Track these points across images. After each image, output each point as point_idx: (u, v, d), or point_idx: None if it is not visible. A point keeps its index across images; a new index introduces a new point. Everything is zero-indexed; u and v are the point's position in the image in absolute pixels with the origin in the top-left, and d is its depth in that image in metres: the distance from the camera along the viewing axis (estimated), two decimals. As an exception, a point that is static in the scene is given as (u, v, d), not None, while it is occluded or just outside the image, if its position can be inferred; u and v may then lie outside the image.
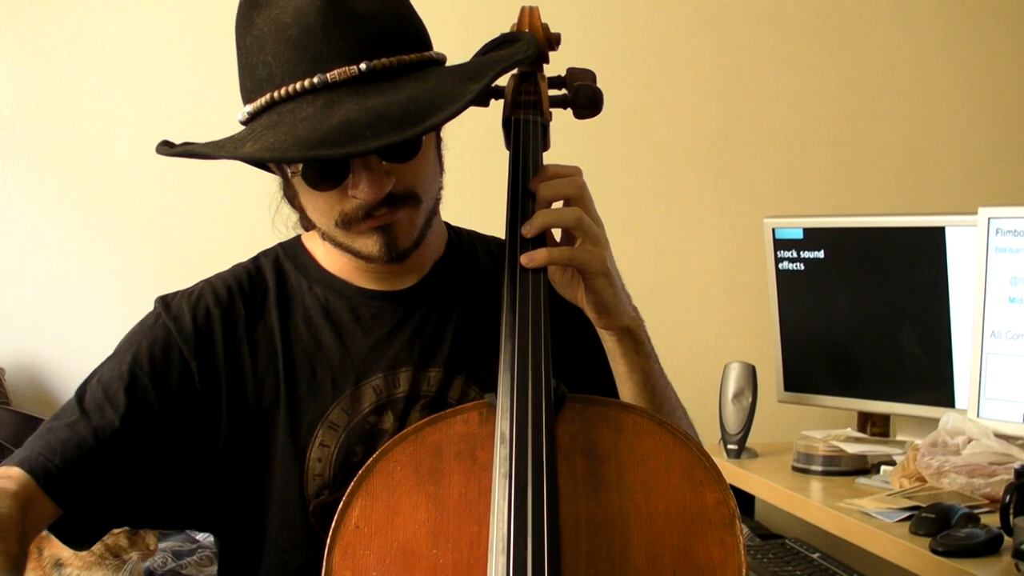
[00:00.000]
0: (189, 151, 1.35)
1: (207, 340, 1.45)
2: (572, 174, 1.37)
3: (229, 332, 1.46)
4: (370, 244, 1.39)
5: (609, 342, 1.42)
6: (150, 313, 1.49)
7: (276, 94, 1.31)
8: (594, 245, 1.35)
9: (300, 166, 1.34)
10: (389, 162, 1.35)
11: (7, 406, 2.83)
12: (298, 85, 1.30)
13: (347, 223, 1.38)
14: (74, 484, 1.36)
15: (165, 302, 1.49)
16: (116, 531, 2.25)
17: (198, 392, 1.44)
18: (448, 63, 1.41)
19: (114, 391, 1.41)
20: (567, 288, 1.39)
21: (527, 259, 1.33)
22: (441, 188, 1.46)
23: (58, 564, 2.25)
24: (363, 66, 1.30)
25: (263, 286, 1.50)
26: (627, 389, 1.44)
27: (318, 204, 1.39)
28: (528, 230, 1.34)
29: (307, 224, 1.52)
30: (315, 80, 1.30)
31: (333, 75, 1.30)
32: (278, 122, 1.29)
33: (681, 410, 1.51)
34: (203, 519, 1.51)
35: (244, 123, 1.37)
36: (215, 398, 1.44)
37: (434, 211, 1.46)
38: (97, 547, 2.25)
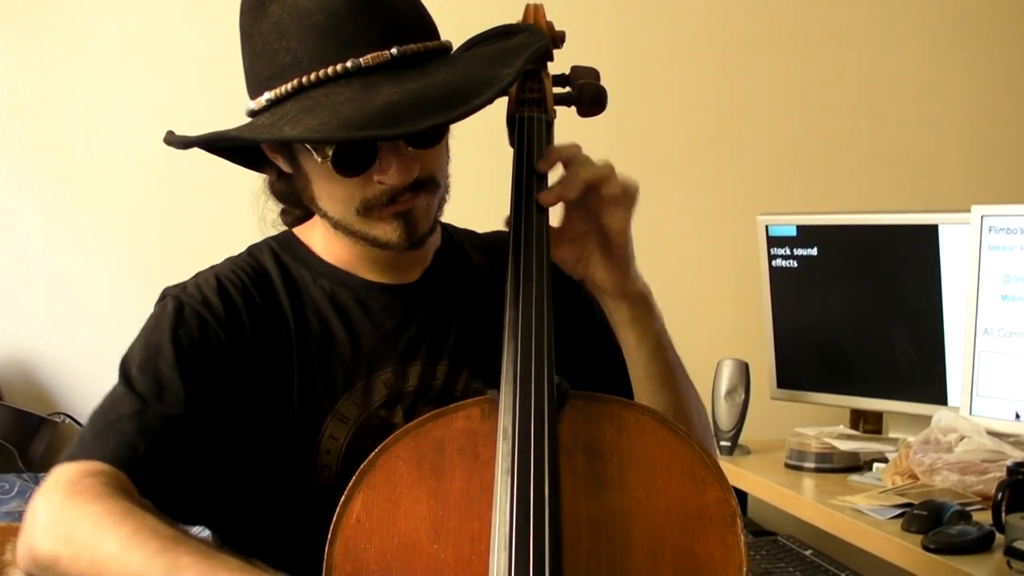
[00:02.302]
0: (216, 137, 1.35)
1: (239, 323, 1.43)
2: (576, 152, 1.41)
3: (253, 317, 1.45)
4: (390, 231, 1.40)
5: (621, 311, 1.44)
6: (167, 304, 1.44)
7: (305, 79, 1.32)
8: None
9: (330, 153, 1.34)
10: (416, 147, 1.36)
11: (0, 401, 2.82)
12: (330, 70, 1.31)
13: (369, 209, 1.38)
14: (154, 477, 1.32)
15: (182, 291, 1.45)
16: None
17: (237, 376, 1.42)
18: None
19: (168, 379, 1.37)
20: (580, 263, 1.42)
21: (543, 196, 1.38)
22: (449, 177, 1.47)
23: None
24: (395, 51, 1.32)
25: (267, 276, 1.49)
26: (641, 353, 1.45)
27: (337, 192, 1.39)
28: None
29: (296, 214, 1.53)
30: (348, 65, 1.31)
31: (366, 59, 1.31)
32: (314, 106, 1.30)
33: (688, 377, 1.53)
34: (218, 511, 1.48)
35: (260, 111, 1.36)
36: (247, 382, 1.42)
37: (445, 199, 1.47)
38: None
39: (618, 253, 1.40)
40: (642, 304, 1.45)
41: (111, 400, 1.38)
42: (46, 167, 2.99)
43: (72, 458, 1.31)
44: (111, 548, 1.19)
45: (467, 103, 1.28)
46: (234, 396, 1.41)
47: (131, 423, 1.33)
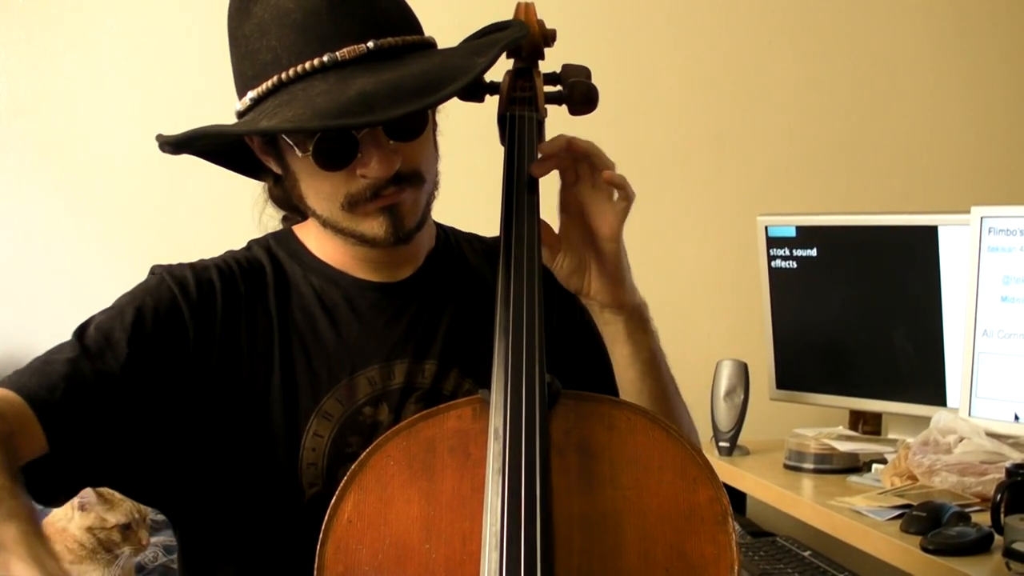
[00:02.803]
0: (197, 133, 1.36)
1: (209, 309, 1.44)
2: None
3: (229, 307, 1.45)
4: (376, 226, 1.40)
5: (616, 324, 1.44)
6: (151, 276, 1.47)
7: (284, 75, 1.33)
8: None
9: (311, 148, 1.34)
10: (396, 140, 1.37)
11: (-1, 399, 2.82)
12: (307, 65, 1.32)
13: (353, 204, 1.39)
14: (67, 422, 1.32)
15: (167, 268, 1.48)
16: (109, 525, 2.25)
17: (191, 358, 1.42)
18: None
19: (116, 340, 1.38)
20: (575, 275, 1.42)
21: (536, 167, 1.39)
22: (438, 174, 1.47)
23: (49, 558, 2.24)
24: (371, 44, 1.33)
25: (260, 270, 1.50)
26: (635, 371, 1.45)
27: (323, 188, 1.40)
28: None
29: (297, 220, 1.54)
30: (324, 59, 1.32)
31: (343, 53, 1.32)
32: (291, 100, 1.31)
33: (679, 394, 1.53)
34: (177, 499, 1.47)
35: (244, 111, 1.38)
36: (205, 369, 1.42)
37: (433, 195, 1.47)
38: (89, 541, 2.24)
39: (610, 261, 1.40)
40: (637, 318, 1.44)
41: (58, 345, 1.40)
42: (46, 165, 2.99)
43: (1, 382, 1.33)
44: None
45: (440, 91, 1.29)
46: (183, 378, 1.41)
47: (62, 367, 1.35)
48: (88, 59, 3.01)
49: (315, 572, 1.23)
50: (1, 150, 2.98)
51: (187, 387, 1.41)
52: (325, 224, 1.44)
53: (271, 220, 1.58)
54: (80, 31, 3.00)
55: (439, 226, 1.59)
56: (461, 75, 1.31)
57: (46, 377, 1.33)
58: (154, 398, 1.39)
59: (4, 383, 1.33)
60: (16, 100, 2.99)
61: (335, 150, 1.35)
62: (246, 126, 1.35)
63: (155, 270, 1.49)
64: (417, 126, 1.38)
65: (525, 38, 1.43)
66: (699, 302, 3.22)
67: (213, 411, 1.42)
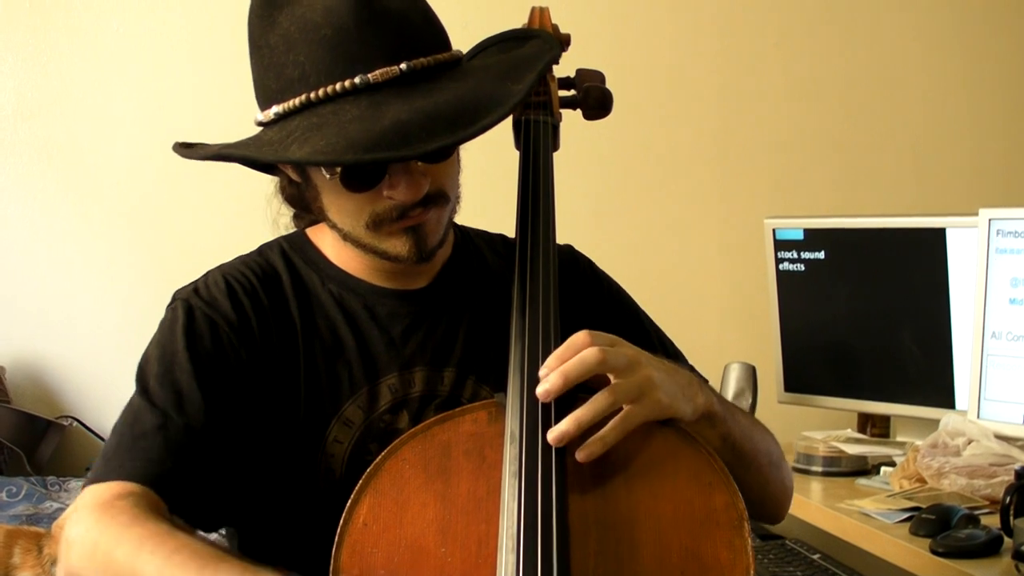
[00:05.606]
0: (224, 154, 1.35)
1: (247, 326, 1.43)
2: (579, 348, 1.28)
3: (260, 319, 1.44)
4: (399, 245, 1.39)
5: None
6: (178, 309, 1.44)
7: (313, 95, 1.30)
8: (631, 371, 1.28)
9: (338, 170, 1.33)
10: (425, 163, 1.35)
11: (7, 404, 2.82)
12: (338, 86, 1.29)
13: (378, 224, 1.38)
14: (182, 488, 1.33)
15: (196, 294, 1.45)
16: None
17: (249, 378, 1.42)
18: None
19: (186, 388, 1.37)
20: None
21: (582, 454, 1.25)
22: (460, 186, 1.46)
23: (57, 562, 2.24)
24: (404, 66, 1.30)
25: (277, 278, 1.49)
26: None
27: (347, 206, 1.38)
28: (546, 396, 1.26)
29: (310, 220, 1.52)
30: (356, 81, 1.29)
31: (375, 76, 1.29)
32: (321, 124, 1.28)
33: (766, 447, 1.48)
34: (238, 512, 1.48)
35: (268, 124, 1.35)
36: (257, 384, 1.42)
37: (455, 210, 1.46)
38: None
39: (656, 405, 1.29)
40: (702, 422, 1.36)
41: (132, 414, 1.38)
42: (53, 169, 2.99)
43: (100, 478, 1.32)
44: (150, 570, 1.21)
45: (476, 123, 1.27)
46: (248, 398, 1.41)
47: (155, 438, 1.34)
48: (95, 63, 3.01)
49: (330, 575, 1.23)
50: (8, 154, 2.98)
51: (250, 407, 1.41)
52: (346, 238, 1.43)
53: (282, 217, 1.56)
54: (85, 35, 3.00)
55: (457, 227, 1.58)
56: (497, 106, 1.28)
57: (147, 454, 1.33)
58: (235, 429, 1.39)
59: (107, 472, 1.32)
60: (23, 104, 2.99)
61: (363, 175, 1.34)
62: (274, 153, 1.32)
63: (177, 297, 1.47)
64: (449, 151, 1.37)
65: (557, 60, 1.41)
66: (707, 305, 3.22)
67: (257, 422, 1.42)
